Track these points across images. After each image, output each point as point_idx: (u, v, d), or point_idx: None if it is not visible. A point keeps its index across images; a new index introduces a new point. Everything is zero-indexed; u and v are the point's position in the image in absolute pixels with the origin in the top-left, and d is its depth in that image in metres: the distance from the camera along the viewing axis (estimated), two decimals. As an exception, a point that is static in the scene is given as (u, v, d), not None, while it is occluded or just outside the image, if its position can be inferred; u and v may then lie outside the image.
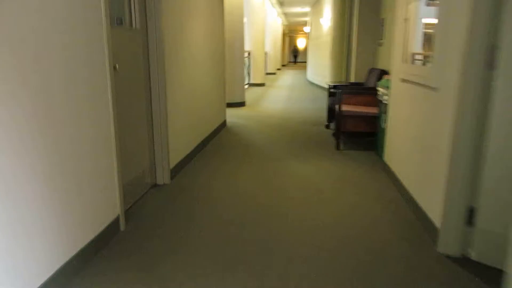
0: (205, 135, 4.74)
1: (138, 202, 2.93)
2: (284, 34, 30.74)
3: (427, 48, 2.74)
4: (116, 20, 2.59)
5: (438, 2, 2.40)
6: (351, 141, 5.02)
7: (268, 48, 18.14)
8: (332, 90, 5.56)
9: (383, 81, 4.19)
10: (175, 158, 3.55)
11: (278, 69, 22.40)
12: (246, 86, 11.76)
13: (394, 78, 3.52)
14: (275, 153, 4.46)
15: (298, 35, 37.88)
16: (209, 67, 4.95)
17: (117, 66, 2.48)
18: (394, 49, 3.54)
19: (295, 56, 36.87)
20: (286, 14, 20.71)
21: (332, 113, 5.83)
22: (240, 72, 7.93)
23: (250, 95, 10.20)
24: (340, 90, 4.60)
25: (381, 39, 5.51)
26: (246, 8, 12.35)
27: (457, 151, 2.12)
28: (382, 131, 4.06)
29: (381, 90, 4.12)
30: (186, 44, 3.79)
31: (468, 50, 2.00)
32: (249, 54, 12.41)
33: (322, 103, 8.60)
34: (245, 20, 12.29)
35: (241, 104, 8.05)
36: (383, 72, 5.05)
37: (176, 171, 3.54)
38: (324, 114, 6.96)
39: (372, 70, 5.53)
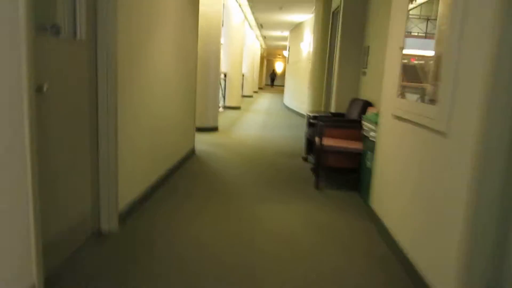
0: (169, 166, 4.16)
1: (71, 259, 2.30)
2: (262, 57, 30.76)
3: (428, 81, 2.32)
4: (51, 29, 2.04)
5: (444, 28, 1.99)
6: (332, 178, 4.56)
7: (245, 70, 17.85)
8: (312, 120, 5.13)
9: (370, 115, 3.78)
10: (127, 197, 2.95)
11: (255, 92, 22.14)
12: (220, 109, 11.28)
13: (384, 114, 3.10)
14: (247, 190, 3.93)
15: (277, 59, 38.14)
16: (177, 88, 4.43)
17: (45, 88, 1.91)
18: (385, 81, 3.14)
19: (273, 80, 37.07)
20: (265, 37, 20.62)
21: (310, 145, 5.39)
22: (214, 94, 7.44)
23: (224, 119, 9.70)
24: (322, 123, 4.16)
25: (365, 68, 5.16)
26: (224, 28, 12.02)
27: (479, 216, 1.66)
28: (368, 171, 3.61)
29: (367, 124, 3.70)
30: (148, 60, 3.26)
31: (493, 87, 1.57)
32: (225, 75, 11.99)
33: (299, 131, 8.19)
34: (222, 40, 11.98)
35: (214, 129, 7.52)
36: (367, 104, 4.67)
37: (128, 213, 2.94)
38: (301, 144, 6.53)
39: (354, 101, 5.15)
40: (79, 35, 2.33)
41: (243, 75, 17.17)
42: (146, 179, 3.40)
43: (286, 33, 16.94)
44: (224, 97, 11.96)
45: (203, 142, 6.28)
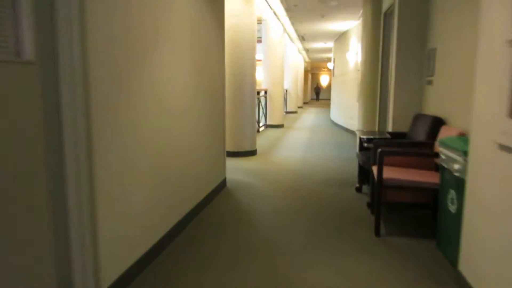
0: (188, 209, 3.39)
1: None
2: (306, 71, 29.90)
3: None
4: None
5: None
6: (394, 213, 3.55)
7: (288, 85, 17.07)
8: (366, 144, 4.17)
9: (450, 139, 2.77)
10: (115, 269, 2.18)
11: (300, 107, 21.25)
12: (262, 128, 10.53)
13: (480, 141, 2.11)
14: (286, 239, 3.04)
15: (321, 72, 37.09)
16: (200, 114, 3.69)
17: None
18: (478, 91, 2.15)
19: (317, 94, 36.18)
20: (308, 50, 19.77)
21: (364, 173, 4.40)
22: (250, 115, 6.67)
23: (264, 139, 8.89)
24: (380, 150, 3.19)
25: (431, 76, 4.13)
26: (262, 44, 11.36)
27: None
28: (451, 217, 2.60)
29: (446, 152, 2.69)
30: (145, 86, 2.52)
31: None
32: (265, 92, 11.26)
33: (348, 151, 7.16)
34: (261, 56, 11.31)
35: (251, 153, 6.72)
36: (438, 121, 3.64)
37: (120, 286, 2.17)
38: (351, 167, 5.52)
39: (419, 117, 4.12)
40: (26, 53, 1.62)
41: (285, 91, 16.39)
42: (148, 238, 2.62)
43: (330, 44, 15.99)
44: (265, 115, 11.21)
45: (237, 170, 5.49)
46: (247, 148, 6.65)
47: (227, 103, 6.63)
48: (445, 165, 2.72)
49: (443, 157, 2.75)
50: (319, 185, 4.80)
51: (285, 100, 16.46)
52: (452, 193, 2.61)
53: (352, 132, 9.73)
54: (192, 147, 3.55)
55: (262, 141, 8.56)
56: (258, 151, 6.95)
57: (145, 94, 2.48)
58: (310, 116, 16.74)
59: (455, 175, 2.52)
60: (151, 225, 2.64)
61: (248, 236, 3.16)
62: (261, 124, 10.57)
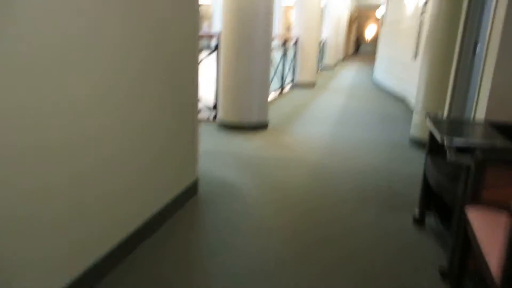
0: (102, 252, 1.65)
1: None
2: (351, 20, 26.59)
3: None
4: None
5: None
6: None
7: (327, 35, 14.56)
8: (448, 147, 2.16)
9: None
10: None
11: (340, 61, 18.65)
12: (287, 87, 8.49)
13: None
14: None
15: (368, 22, 33.36)
16: (141, 95, 1.83)
17: None
18: None
19: (358, 46, 32.83)
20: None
21: (431, 194, 2.44)
22: (261, 72, 4.69)
23: (285, 105, 6.89)
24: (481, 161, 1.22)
25: None
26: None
27: None
28: None
29: None
30: None
31: None
32: (296, 42, 9.05)
33: (400, 132, 5.08)
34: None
35: (260, 127, 4.81)
36: None
37: None
38: (406, 166, 3.53)
39: None
40: None
41: (322, 42, 13.96)
42: None
43: (382, -14, 13.14)
44: (293, 70, 9.09)
45: (228, 159, 3.66)
46: (254, 119, 4.74)
47: (224, 53, 4.67)
48: None
49: None
50: (348, 201, 2.89)
51: (322, 52, 14.06)
52: None
53: (403, 100, 7.50)
54: (120, 149, 1.73)
55: (281, 107, 6.58)
56: (272, 123, 5.04)
57: None
58: (349, 74, 14.31)
59: None
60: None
61: None
62: (287, 82, 8.51)
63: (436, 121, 2.22)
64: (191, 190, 2.84)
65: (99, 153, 1.77)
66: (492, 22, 2.76)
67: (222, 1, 4.54)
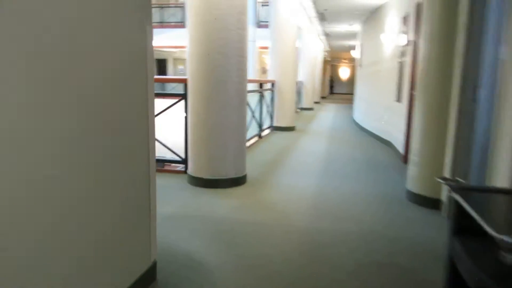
0: None
1: None
2: (325, 62, 27.10)
3: None
4: None
5: None
6: None
7: (303, 77, 14.48)
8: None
9: None
10: None
11: (316, 103, 18.60)
12: (266, 132, 8.03)
13: None
14: None
15: (341, 64, 34.25)
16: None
17: None
18: None
19: (331, 87, 33.61)
20: (328, 35, 17.01)
21: (458, 277, 1.86)
22: (236, 121, 4.18)
23: (264, 151, 6.38)
24: None
25: None
26: (271, 23, 8.83)
27: None
28: None
29: None
30: None
31: None
32: (272, 85, 8.72)
33: (392, 182, 4.58)
34: (266, 38, 8.72)
35: (237, 181, 4.22)
36: None
37: None
38: (410, 228, 2.96)
39: None
40: None
41: (299, 84, 13.82)
42: None
43: (355, 28, 13.28)
44: (271, 115, 8.68)
45: (201, 222, 3.03)
46: (229, 174, 4.16)
47: (192, 102, 4.17)
48: None
49: None
50: (345, 284, 2.29)
51: (299, 94, 13.88)
52: None
53: (387, 144, 7.12)
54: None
55: (261, 154, 6.06)
56: (250, 174, 4.47)
57: None
58: (328, 115, 14.11)
59: None
60: None
61: None
62: (265, 127, 8.06)
63: (464, 193, 1.69)
64: (147, 278, 2.18)
65: (18, 240, 1.13)
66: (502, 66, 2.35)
67: (187, 45, 4.08)
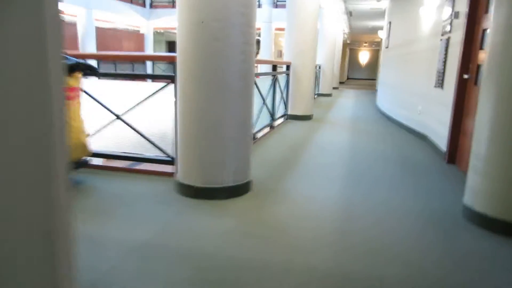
0: None
1: None
2: (344, 45, 25.68)
3: None
4: None
5: None
6: None
7: (322, 60, 13.33)
8: None
9: None
10: None
11: (335, 88, 17.40)
12: (279, 121, 7.05)
13: None
14: None
15: (361, 47, 32.68)
16: None
17: None
18: None
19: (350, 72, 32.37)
20: (351, 14, 15.67)
21: None
22: (240, 114, 3.20)
23: (276, 146, 5.39)
24: None
25: None
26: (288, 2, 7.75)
27: None
28: None
29: None
30: None
31: None
32: (287, 68, 7.67)
33: (438, 189, 3.53)
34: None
35: (240, 190, 3.26)
36: None
37: None
38: (475, 268, 1.98)
39: None
40: None
41: (318, 68, 12.71)
42: None
43: (383, 4, 12.00)
44: (285, 102, 7.65)
45: (183, 260, 2.08)
46: (227, 181, 3.20)
47: (182, 87, 3.21)
48: None
49: None
50: None
51: (317, 79, 12.76)
52: None
53: (421, 137, 6.04)
54: None
55: (271, 149, 5.09)
56: (257, 177, 3.52)
57: None
58: (348, 102, 12.95)
59: None
60: None
61: None
62: (278, 115, 7.05)
63: None
64: None
65: None
66: None
67: (176, 13, 3.09)
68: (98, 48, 15.66)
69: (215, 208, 3.00)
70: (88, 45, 15.05)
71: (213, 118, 3.09)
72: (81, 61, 3.06)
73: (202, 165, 3.17)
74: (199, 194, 3.15)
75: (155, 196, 3.21)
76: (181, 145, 3.25)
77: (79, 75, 3.05)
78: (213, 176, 3.17)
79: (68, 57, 3.01)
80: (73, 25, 15.11)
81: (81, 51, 13.69)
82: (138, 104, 3.75)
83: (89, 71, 3.17)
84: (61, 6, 1.18)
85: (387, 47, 10.07)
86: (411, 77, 7.14)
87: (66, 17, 14.46)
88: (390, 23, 9.80)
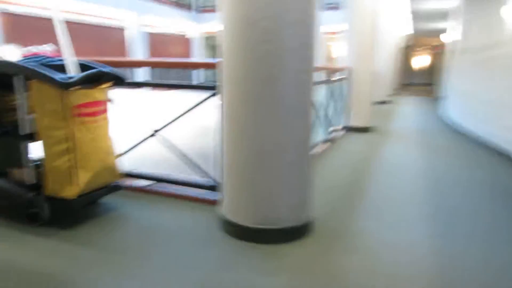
0: None
1: None
2: (407, 48, 24.13)
3: None
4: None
5: None
6: None
7: (380, 65, 12.27)
8: None
9: None
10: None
11: (392, 95, 16.15)
12: (337, 133, 6.29)
13: None
14: None
15: (417, 51, 30.72)
16: None
17: None
18: None
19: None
20: (416, 15, 14.44)
21: None
22: (299, 135, 2.51)
23: (339, 164, 4.61)
24: None
25: None
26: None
27: None
28: None
29: None
30: None
31: None
32: (347, 75, 6.85)
33: None
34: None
35: (297, 232, 2.56)
36: None
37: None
38: None
39: None
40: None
41: (375, 73, 11.66)
42: None
43: (447, 3, 10.82)
44: (343, 113, 6.83)
45: None
46: (285, 220, 2.52)
47: (228, 101, 2.55)
48: None
49: None
50: None
51: (376, 85, 11.73)
52: None
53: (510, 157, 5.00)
54: None
55: (330, 175, 4.30)
56: (319, 212, 2.79)
57: None
58: (409, 110, 11.80)
59: None
60: None
61: None
62: (332, 128, 6.24)
63: None
64: None
65: None
66: None
67: (220, 9, 2.46)
68: (150, 54, 15.67)
69: (268, 258, 2.33)
70: (137, 50, 15.07)
71: (264, 141, 2.42)
72: (106, 69, 2.52)
73: (253, 198, 2.51)
74: (248, 235, 2.50)
75: (193, 232, 2.61)
76: (227, 171, 2.61)
77: (105, 86, 2.52)
78: (265, 213, 2.50)
79: (90, 64, 2.48)
80: (121, 30, 15.19)
81: (130, 56, 13.67)
82: (175, 119, 3.19)
83: (117, 81, 2.62)
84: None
85: (459, 51, 8.90)
86: (496, 86, 6.05)
87: (114, 22, 14.54)
88: (463, 24, 8.64)
